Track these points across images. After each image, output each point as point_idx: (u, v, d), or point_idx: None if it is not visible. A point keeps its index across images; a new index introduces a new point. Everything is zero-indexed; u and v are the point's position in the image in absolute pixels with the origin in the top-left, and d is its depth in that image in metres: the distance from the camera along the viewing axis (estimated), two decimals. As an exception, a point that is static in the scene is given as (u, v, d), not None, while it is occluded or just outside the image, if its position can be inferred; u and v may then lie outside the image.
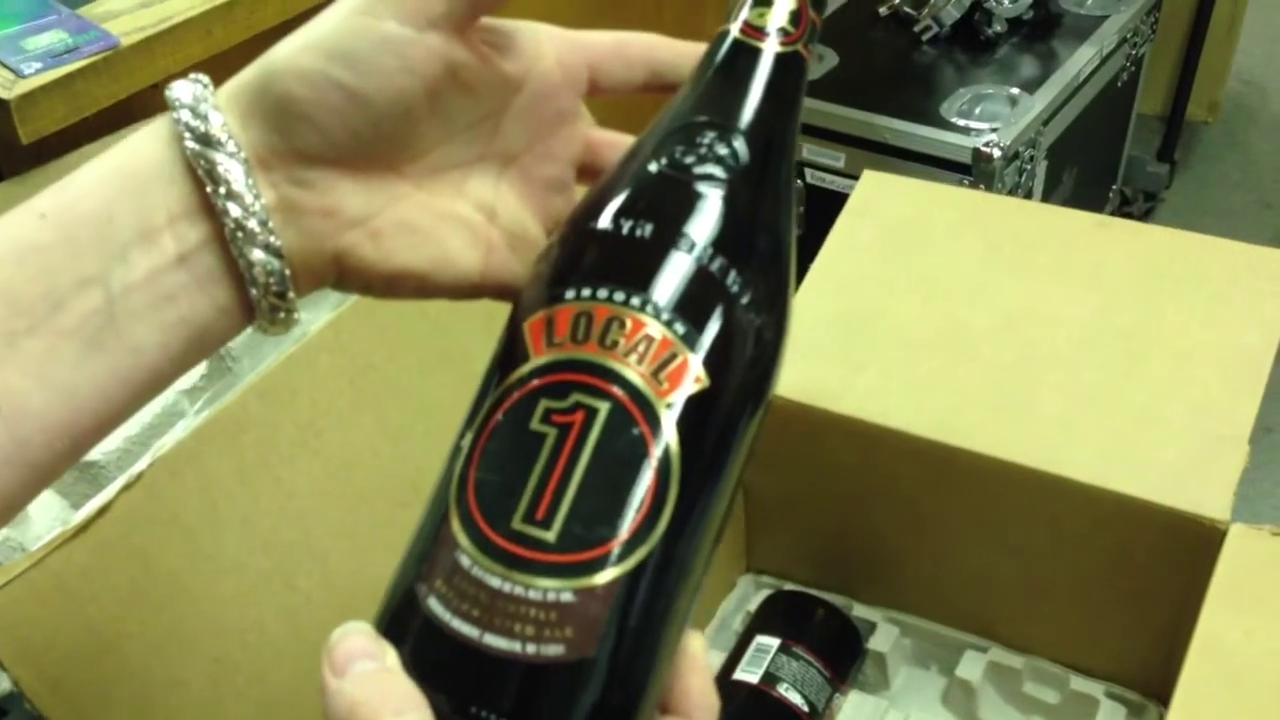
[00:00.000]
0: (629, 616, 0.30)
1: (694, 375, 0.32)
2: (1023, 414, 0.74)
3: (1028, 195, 1.70)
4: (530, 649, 0.29)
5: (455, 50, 0.35)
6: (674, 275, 0.33)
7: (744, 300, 0.34)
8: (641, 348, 0.32)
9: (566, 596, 0.30)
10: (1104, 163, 2.08)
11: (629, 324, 0.32)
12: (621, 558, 0.30)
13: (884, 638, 0.83)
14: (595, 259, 0.34)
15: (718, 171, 0.35)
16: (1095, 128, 1.90)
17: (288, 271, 0.35)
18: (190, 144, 0.33)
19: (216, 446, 0.56)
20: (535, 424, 0.31)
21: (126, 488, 0.52)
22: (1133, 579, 0.74)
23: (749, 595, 0.88)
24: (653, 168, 0.35)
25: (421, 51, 0.35)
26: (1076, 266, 0.80)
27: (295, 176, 0.35)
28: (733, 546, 0.88)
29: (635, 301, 0.32)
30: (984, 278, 0.81)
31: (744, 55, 0.37)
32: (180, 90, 0.34)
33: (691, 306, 0.33)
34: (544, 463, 0.31)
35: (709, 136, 0.36)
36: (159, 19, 1.00)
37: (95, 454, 0.69)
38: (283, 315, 0.35)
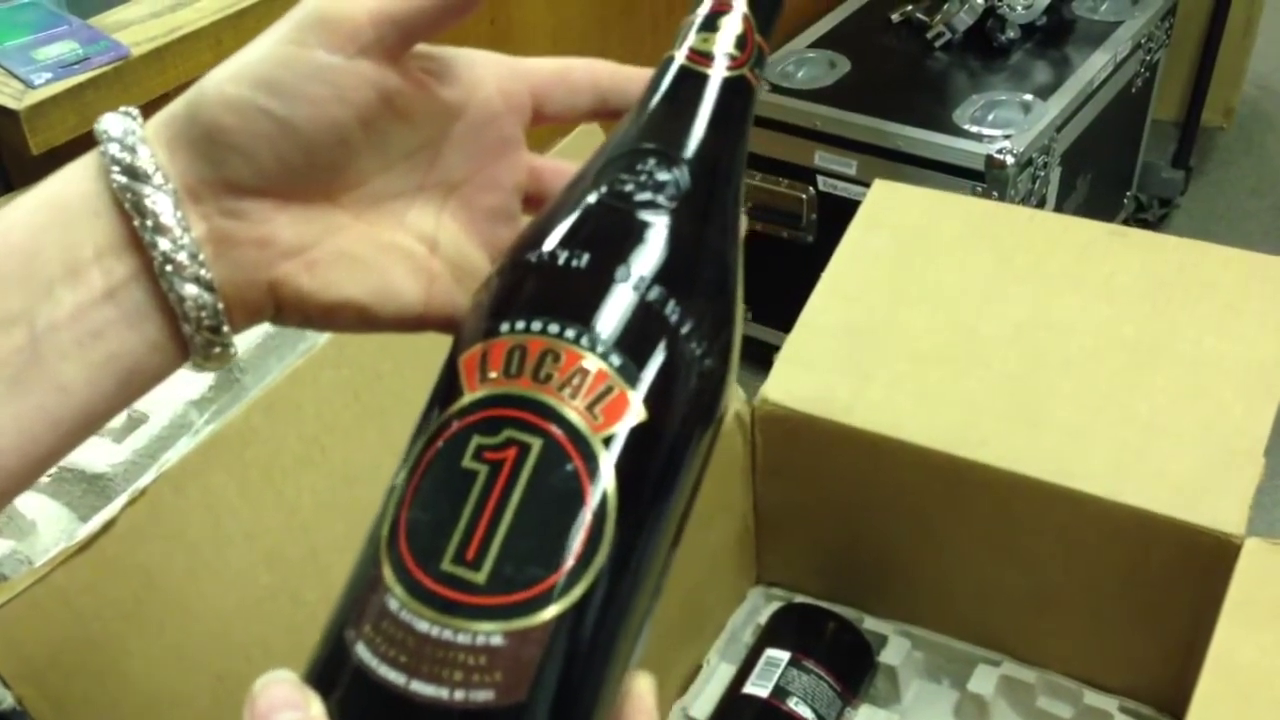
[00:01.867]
0: (563, 659, 0.29)
1: (632, 409, 0.31)
2: (1034, 425, 0.74)
3: (1041, 202, 1.70)
4: (458, 695, 0.28)
5: (389, 78, 0.35)
6: (610, 307, 0.32)
7: (684, 330, 0.33)
8: (576, 381, 0.31)
9: (496, 640, 0.29)
10: (1118, 169, 2.07)
11: (563, 357, 0.31)
12: (554, 598, 0.29)
13: (895, 651, 0.82)
14: (531, 291, 0.33)
15: (657, 199, 0.34)
16: (1109, 134, 1.89)
17: (221, 305, 0.34)
18: (117, 177, 0.33)
19: (221, 461, 0.56)
20: (467, 461, 0.30)
21: (131, 503, 0.52)
22: (1147, 593, 0.73)
23: (759, 608, 0.88)
24: (591, 196, 0.35)
25: (352, 79, 0.34)
26: (1088, 276, 0.80)
27: (227, 207, 0.34)
28: (743, 559, 0.87)
29: (570, 334, 0.31)
30: (995, 287, 0.81)
31: (689, 81, 0.37)
32: (109, 123, 0.34)
33: (629, 338, 0.32)
34: (475, 501, 0.30)
35: (649, 164, 0.35)
36: (169, 29, 1.00)
37: (103, 466, 0.69)
38: (218, 350, 0.35)
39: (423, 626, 0.29)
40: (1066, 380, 0.75)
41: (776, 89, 1.73)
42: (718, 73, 0.37)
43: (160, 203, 0.33)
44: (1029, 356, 0.77)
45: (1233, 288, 0.78)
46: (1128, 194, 2.15)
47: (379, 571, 0.30)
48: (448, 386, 0.33)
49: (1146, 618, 0.74)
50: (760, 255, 1.83)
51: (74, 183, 0.34)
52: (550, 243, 0.34)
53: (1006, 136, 1.60)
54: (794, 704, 0.75)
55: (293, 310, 0.36)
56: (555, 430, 0.30)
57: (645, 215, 0.34)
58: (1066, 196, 1.79)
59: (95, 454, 0.69)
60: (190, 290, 0.33)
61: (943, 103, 1.69)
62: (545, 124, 0.40)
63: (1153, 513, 0.69)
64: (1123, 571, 0.73)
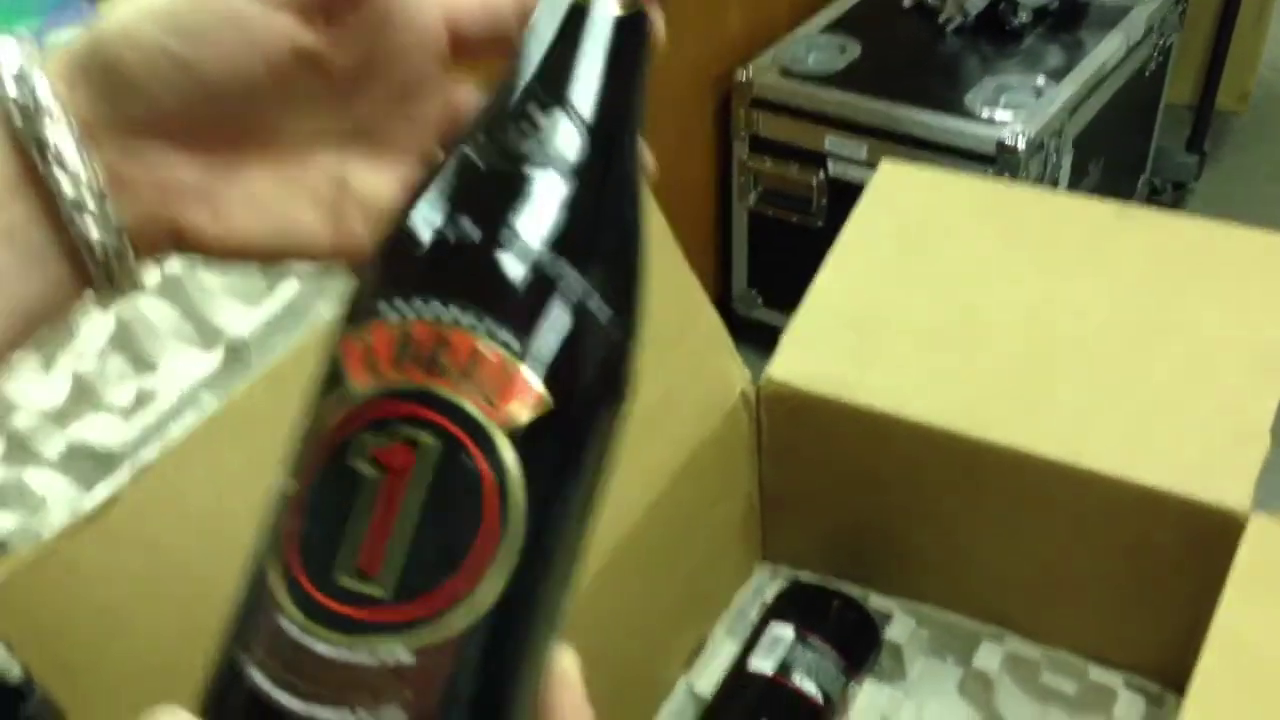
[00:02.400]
0: (477, 667, 0.27)
1: (532, 392, 0.29)
2: (1040, 405, 0.74)
3: (1053, 185, 1.69)
4: (364, 718, 0.26)
5: (305, 34, 0.33)
6: (502, 281, 0.29)
7: (585, 301, 0.30)
8: (469, 368, 0.28)
9: (403, 656, 0.27)
10: (1132, 153, 2.06)
11: (454, 341, 0.28)
12: (463, 605, 0.27)
13: (900, 628, 0.83)
14: (415, 267, 0.30)
15: (546, 155, 0.31)
16: (1122, 118, 1.88)
17: (126, 241, 0.32)
18: (15, 111, 0.31)
19: (227, 436, 0.57)
20: (358, 464, 0.28)
21: (137, 477, 0.52)
22: (1152, 570, 0.73)
23: (765, 585, 0.88)
24: (475, 154, 0.32)
25: (265, 30, 0.32)
26: (1097, 257, 0.80)
27: (125, 147, 0.32)
28: (748, 537, 0.88)
29: (459, 316, 0.29)
30: (1002, 268, 0.81)
31: (576, 19, 0.33)
32: (4, 53, 0.31)
33: (523, 315, 0.29)
34: (370, 508, 0.28)
35: (535, 115, 0.32)
36: (179, 12, 1.01)
37: (112, 443, 0.69)
38: (125, 287, 0.33)
39: (321, 648, 0.27)
40: (1073, 359, 0.75)
41: (786, 73, 1.73)
42: (606, 9, 0.33)
43: (62, 140, 0.31)
44: (1036, 336, 0.77)
45: (1242, 267, 0.77)
46: (1142, 178, 2.14)
47: (268, 589, 0.28)
48: (331, 375, 0.30)
49: (1152, 594, 0.74)
50: (770, 240, 1.83)
51: None
52: (431, 210, 0.31)
53: (1017, 120, 1.59)
54: (799, 680, 0.76)
55: (194, 249, 0.34)
56: (451, 424, 0.28)
57: (533, 174, 0.31)
58: (1079, 180, 1.78)
59: (104, 431, 0.70)
60: (93, 229, 0.32)
61: (954, 86, 1.68)
62: (470, 59, 0.37)
63: (1159, 490, 0.69)
64: (1128, 549, 0.73)
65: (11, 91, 0.31)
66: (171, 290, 0.74)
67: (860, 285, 0.83)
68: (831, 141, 1.69)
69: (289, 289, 0.75)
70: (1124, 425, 0.72)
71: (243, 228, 0.34)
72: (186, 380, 0.73)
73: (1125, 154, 2.02)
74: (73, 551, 0.50)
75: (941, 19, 1.81)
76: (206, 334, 0.76)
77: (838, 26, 1.85)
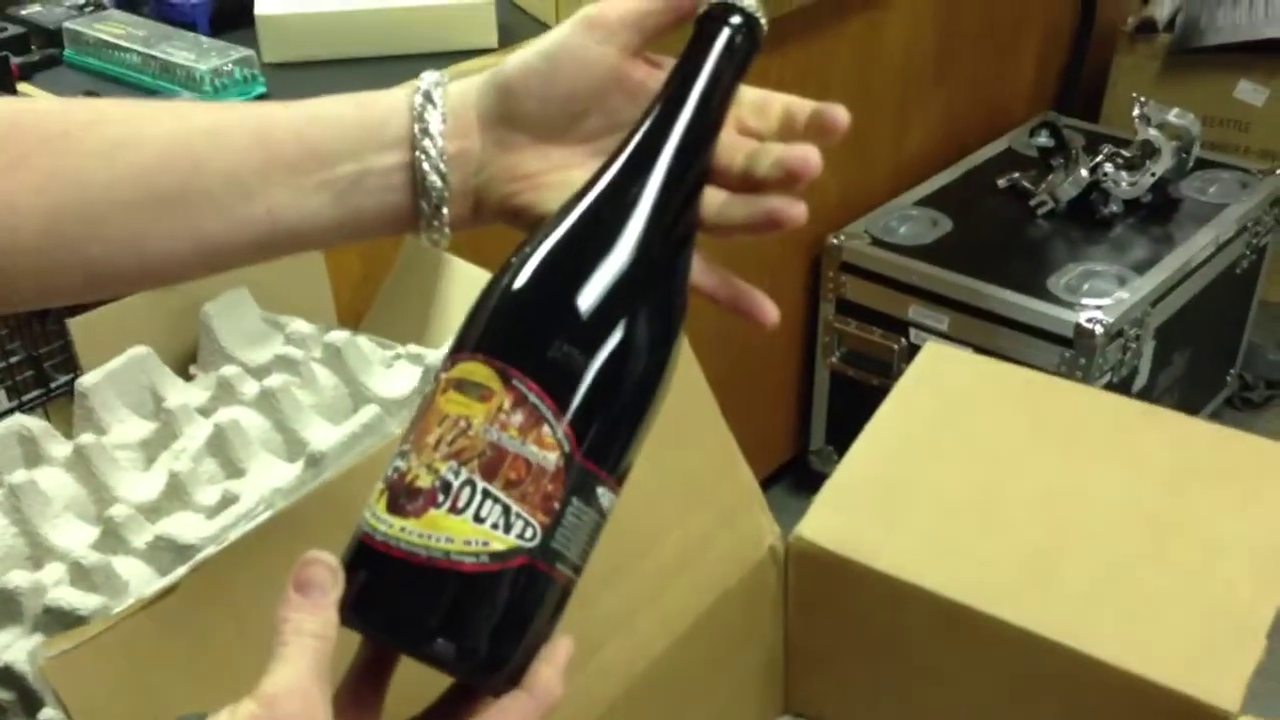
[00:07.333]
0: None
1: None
2: (1048, 586, 0.77)
3: (1132, 373, 1.72)
4: None
5: (625, 64, 0.50)
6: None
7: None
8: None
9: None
10: (1221, 347, 2.07)
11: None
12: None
13: (907, 793, 0.85)
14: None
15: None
16: (1211, 312, 1.91)
17: (447, 193, 0.51)
18: (418, 100, 0.51)
19: (283, 537, 0.63)
20: None
21: (193, 571, 0.59)
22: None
23: (784, 736, 0.92)
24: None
25: (596, 59, 0.50)
26: (1118, 450, 0.84)
27: (500, 139, 0.51)
28: (770, 687, 0.91)
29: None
30: (1027, 453, 0.85)
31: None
32: (428, 77, 0.52)
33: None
34: None
35: None
36: None
37: (193, 538, 0.77)
38: (435, 225, 0.51)
39: None
40: (1084, 546, 0.79)
41: (877, 242, 1.80)
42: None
43: (433, 120, 0.50)
44: (1051, 521, 0.81)
45: (1258, 476, 0.81)
46: (1231, 372, 2.14)
47: None
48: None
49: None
50: (849, 399, 1.88)
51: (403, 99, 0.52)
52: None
53: (1098, 307, 1.63)
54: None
55: (513, 219, 0.52)
56: None
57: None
58: (1161, 370, 1.80)
59: (188, 527, 0.77)
60: (433, 179, 0.51)
61: (1039, 268, 1.73)
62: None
63: (1153, 681, 0.71)
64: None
65: (423, 85, 0.51)
66: (267, 404, 0.82)
67: (893, 455, 0.87)
68: (915, 311, 1.75)
69: (369, 411, 0.82)
70: (1125, 614, 0.75)
71: (551, 201, 0.50)
72: (266, 488, 0.80)
73: (1213, 347, 2.03)
74: (131, 631, 0.57)
75: (1033, 203, 1.87)
76: (293, 446, 0.84)
77: (931, 201, 1.91)
